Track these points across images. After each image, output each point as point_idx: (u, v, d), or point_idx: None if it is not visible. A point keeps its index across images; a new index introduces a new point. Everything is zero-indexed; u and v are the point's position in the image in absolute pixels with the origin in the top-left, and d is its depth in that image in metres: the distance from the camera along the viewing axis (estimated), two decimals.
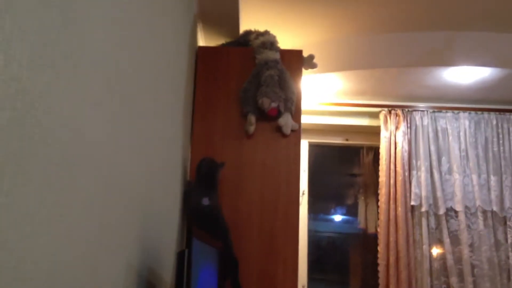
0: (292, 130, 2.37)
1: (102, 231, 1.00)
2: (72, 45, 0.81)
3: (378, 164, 3.41)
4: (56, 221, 0.77)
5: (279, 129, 2.37)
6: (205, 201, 1.99)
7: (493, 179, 3.30)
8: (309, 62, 2.54)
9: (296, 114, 2.42)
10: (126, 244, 1.21)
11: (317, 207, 3.62)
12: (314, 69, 2.65)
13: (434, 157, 3.33)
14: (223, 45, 2.61)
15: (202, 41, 2.74)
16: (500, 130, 3.40)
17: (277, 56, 2.42)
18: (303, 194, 3.49)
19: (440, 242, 3.25)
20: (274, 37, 2.48)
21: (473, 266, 3.18)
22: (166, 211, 1.77)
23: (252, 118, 2.35)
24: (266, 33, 2.49)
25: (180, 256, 1.33)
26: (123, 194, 1.17)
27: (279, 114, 2.35)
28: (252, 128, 2.35)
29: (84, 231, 0.90)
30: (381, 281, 3.18)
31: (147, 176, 1.42)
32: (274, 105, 2.32)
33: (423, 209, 3.23)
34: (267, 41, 2.43)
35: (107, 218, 1.03)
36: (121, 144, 1.13)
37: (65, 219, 0.81)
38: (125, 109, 1.15)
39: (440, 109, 3.44)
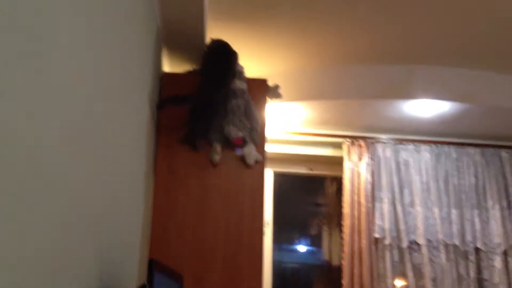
0: (256, 161, 2.33)
1: (55, 261, 0.92)
2: (34, 66, 0.75)
3: (342, 195, 3.39)
4: (7, 249, 0.69)
5: (243, 159, 2.33)
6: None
7: (454, 212, 3.34)
8: (274, 92, 2.53)
9: (261, 143, 2.39)
10: (82, 276, 1.11)
11: (282, 237, 3.57)
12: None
13: (396, 189, 3.34)
14: (190, 72, 2.55)
15: (167, 67, 2.69)
16: (460, 164, 3.46)
17: (244, 86, 2.40)
18: (267, 224, 3.42)
19: (403, 275, 3.23)
20: (242, 67, 2.46)
21: None
22: (126, 242, 1.68)
23: (217, 147, 2.30)
24: None
25: None
26: (81, 223, 1.08)
27: (244, 143, 2.32)
28: (217, 157, 2.30)
29: (36, 262, 0.82)
30: None
31: (108, 204, 1.34)
32: (240, 134, 2.29)
33: (387, 241, 3.22)
34: (236, 71, 2.40)
35: (61, 248, 0.95)
36: (81, 168, 1.05)
37: (17, 246, 0.72)
38: (87, 131, 1.08)
39: (401, 141, 3.48)
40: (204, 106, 2.25)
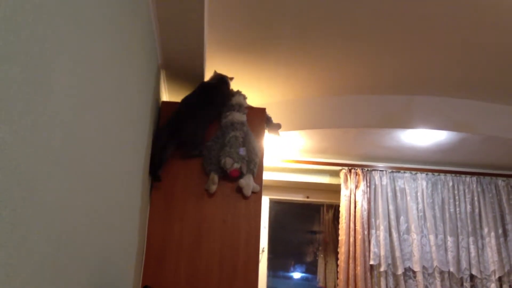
0: (253, 192, 2.36)
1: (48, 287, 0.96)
2: (33, 100, 0.80)
3: (338, 222, 3.42)
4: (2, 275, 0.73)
5: (240, 190, 2.36)
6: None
7: (449, 239, 3.36)
8: (274, 129, 2.55)
9: (258, 171, 2.42)
10: None
11: (277, 264, 3.59)
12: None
13: (392, 217, 3.37)
14: None
15: (166, 96, 2.75)
16: (456, 192, 3.49)
17: (243, 118, 2.42)
18: (262, 251, 3.45)
19: None
20: (244, 98, 2.48)
21: None
22: (120, 269, 1.71)
23: (215, 177, 2.32)
24: (237, 93, 2.49)
25: None
26: (74, 250, 1.12)
27: (240, 175, 2.34)
28: (214, 187, 2.32)
29: (29, 285, 0.86)
30: None
31: (102, 231, 1.38)
32: (236, 166, 2.31)
33: (382, 268, 3.24)
34: (236, 104, 2.44)
35: (54, 276, 0.99)
36: (77, 206, 1.10)
37: (11, 271, 0.77)
38: (83, 166, 1.13)
39: (398, 170, 3.52)
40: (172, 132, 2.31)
